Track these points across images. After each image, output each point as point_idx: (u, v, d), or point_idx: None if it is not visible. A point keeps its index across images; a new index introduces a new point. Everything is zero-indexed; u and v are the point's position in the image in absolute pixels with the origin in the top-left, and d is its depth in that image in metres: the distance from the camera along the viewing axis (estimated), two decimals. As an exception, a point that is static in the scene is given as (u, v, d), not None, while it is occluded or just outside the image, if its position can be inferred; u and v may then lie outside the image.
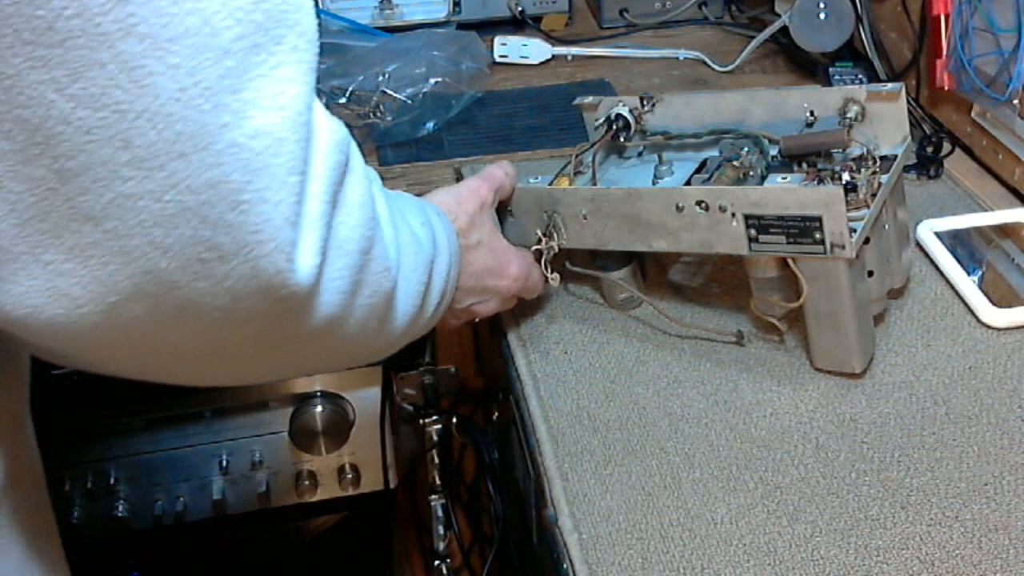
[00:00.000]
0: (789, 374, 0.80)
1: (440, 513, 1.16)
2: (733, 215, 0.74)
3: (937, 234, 0.93)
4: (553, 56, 1.38)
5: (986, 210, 0.98)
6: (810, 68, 1.29)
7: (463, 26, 1.36)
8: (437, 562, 1.19)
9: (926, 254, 0.92)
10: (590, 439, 0.75)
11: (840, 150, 0.80)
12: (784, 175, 0.79)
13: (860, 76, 1.17)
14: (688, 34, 1.45)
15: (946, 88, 1.04)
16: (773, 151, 0.82)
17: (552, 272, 0.83)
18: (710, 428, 0.75)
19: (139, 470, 1.08)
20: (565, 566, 0.66)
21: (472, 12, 1.40)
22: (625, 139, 0.89)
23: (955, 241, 0.94)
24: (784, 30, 1.24)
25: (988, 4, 0.94)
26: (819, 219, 0.71)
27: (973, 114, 1.05)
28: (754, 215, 0.73)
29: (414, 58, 1.21)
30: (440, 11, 1.38)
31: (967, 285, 0.87)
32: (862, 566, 0.64)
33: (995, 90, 0.95)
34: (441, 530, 1.17)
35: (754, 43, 1.33)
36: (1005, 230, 0.94)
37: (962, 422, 0.75)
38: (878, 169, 0.78)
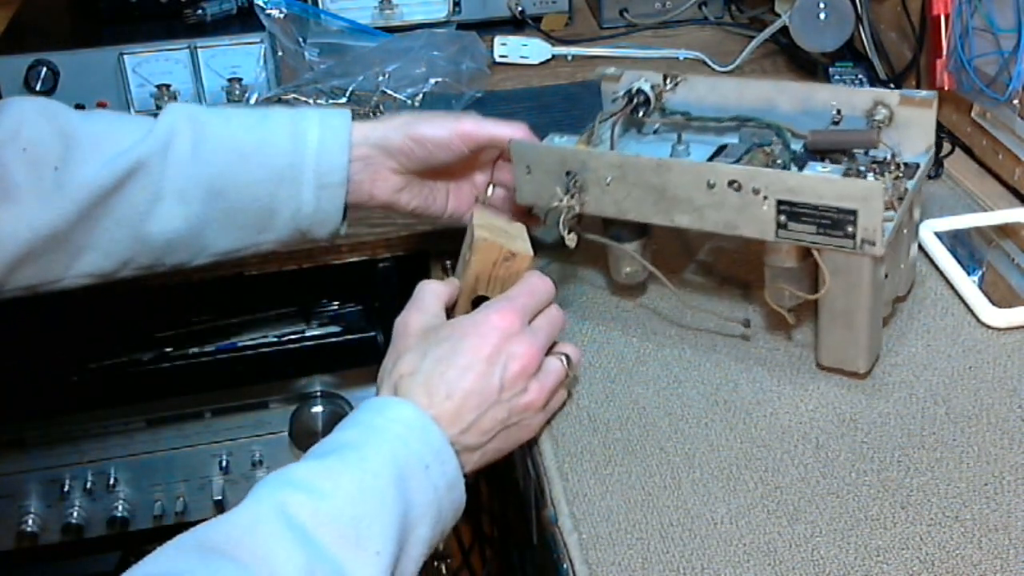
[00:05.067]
0: (789, 374, 0.80)
1: (440, 513, 1.16)
2: (765, 198, 0.73)
3: (937, 234, 0.92)
4: (553, 56, 1.38)
5: (986, 210, 0.98)
6: (810, 68, 1.29)
7: (463, 26, 1.36)
8: (437, 562, 1.20)
9: (926, 254, 0.92)
10: (590, 439, 0.75)
11: (863, 151, 0.80)
12: (824, 164, 0.77)
13: (860, 76, 1.17)
14: (688, 34, 1.45)
15: (946, 88, 1.04)
16: (795, 144, 0.81)
17: (569, 232, 0.80)
18: (710, 428, 0.75)
19: (139, 470, 1.09)
20: (565, 566, 0.66)
21: (472, 12, 1.40)
22: (644, 115, 0.87)
23: (955, 241, 0.94)
24: (784, 30, 1.23)
25: (988, 4, 0.94)
26: (854, 212, 0.70)
27: (973, 114, 1.04)
28: (788, 201, 0.72)
29: (414, 58, 1.21)
30: (440, 11, 1.38)
31: (967, 285, 0.87)
32: (862, 566, 0.64)
33: (995, 90, 0.95)
34: (441, 530, 1.17)
35: (754, 43, 1.33)
36: (1005, 230, 0.94)
37: (962, 422, 0.75)
38: (901, 174, 0.77)
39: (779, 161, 0.80)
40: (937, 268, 0.90)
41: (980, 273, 0.93)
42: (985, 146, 1.04)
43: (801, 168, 0.79)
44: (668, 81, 0.89)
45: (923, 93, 0.81)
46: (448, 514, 0.66)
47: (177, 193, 0.79)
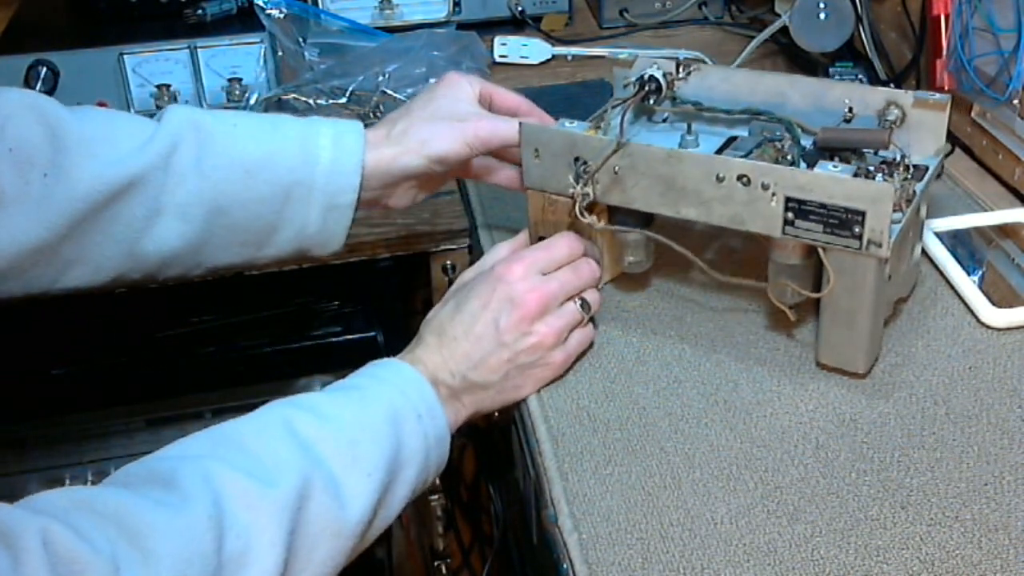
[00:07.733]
0: (789, 374, 0.80)
1: (440, 513, 1.16)
2: (774, 195, 0.73)
3: (937, 234, 0.93)
4: (553, 56, 1.38)
5: (986, 210, 0.98)
6: (810, 68, 1.29)
7: (463, 26, 1.36)
8: (437, 562, 1.20)
9: (926, 254, 0.92)
10: (590, 439, 0.75)
11: (873, 151, 0.80)
12: (835, 164, 0.76)
13: (860, 76, 1.17)
14: (688, 34, 1.45)
15: (946, 88, 1.04)
16: (804, 140, 0.81)
17: (590, 215, 0.80)
18: (710, 428, 0.75)
19: (139, 470, 1.09)
20: (565, 566, 0.66)
21: (472, 12, 1.40)
22: (655, 103, 0.87)
23: (955, 241, 0.94)
24: (784, 30, 1.24)
25: (988, 4, 0.94)
26: (863, 213, 0.71)
27: (973, 114, 1.04)
28: (796, 198, 0.73)
29: (414, 58, 1.21)
30: (440, 11, 1.38)
31: (967, 285, 0.87)
32: (862, 566, 0.64)
33: (995, 90, 0.95)
34: (441, 530, 1.17)
35: (754, 43, 1.33)
36: (1005, 230, 0.94)
37: (962, 422, 0.75)
38: (910, 176, 0.77)
39: (789, 157, 0.79)
40: (937, 268, 0.90)
41: (980, 273, 0.93)
42: (985, 146, 1.04)
43: (811, 165, 0.79)
44: (680, 70, 0.88)
45: (937, 96, 0.80)
46: (433, 465, 0.72)
47: (177, 210, 0.76)
